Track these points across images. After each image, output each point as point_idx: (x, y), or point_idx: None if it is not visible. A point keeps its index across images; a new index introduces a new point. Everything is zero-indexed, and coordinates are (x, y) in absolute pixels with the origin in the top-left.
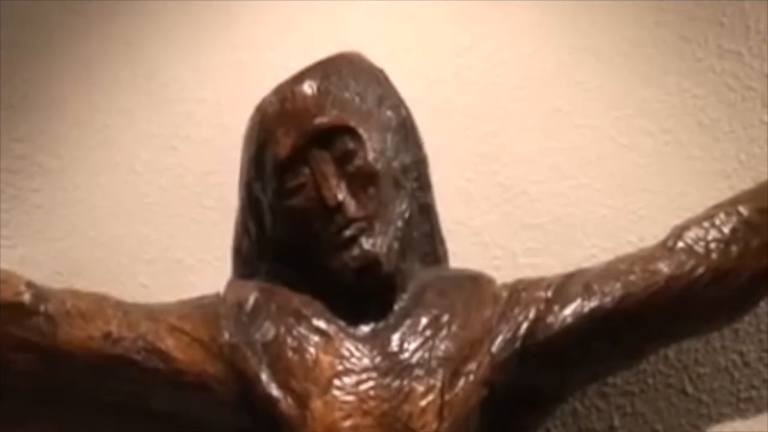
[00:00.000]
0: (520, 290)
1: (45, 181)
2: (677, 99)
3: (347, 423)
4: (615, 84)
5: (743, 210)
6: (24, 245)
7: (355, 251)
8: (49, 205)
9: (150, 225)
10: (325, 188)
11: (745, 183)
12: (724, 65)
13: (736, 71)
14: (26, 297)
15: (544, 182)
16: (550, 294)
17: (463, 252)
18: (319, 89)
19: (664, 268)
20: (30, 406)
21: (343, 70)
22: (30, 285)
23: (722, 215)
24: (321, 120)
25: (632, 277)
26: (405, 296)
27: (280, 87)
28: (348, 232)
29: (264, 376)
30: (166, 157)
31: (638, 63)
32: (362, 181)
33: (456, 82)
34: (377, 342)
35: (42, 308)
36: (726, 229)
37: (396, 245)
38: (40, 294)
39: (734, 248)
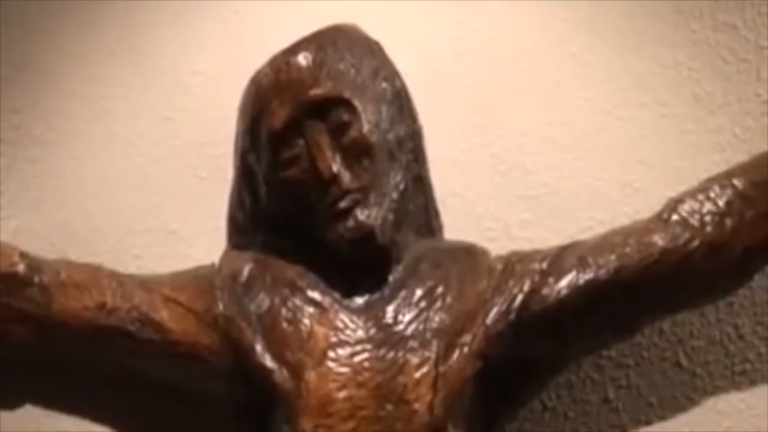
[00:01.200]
0: (514, 262)
1: (40, 152)
2: (672, 72)
3: (341, 394)
4: (610, 57)
5: (738, 183)
6: (18, 216)
7: (350, 222)
8: (44, 175)
9: (145, 196)
10: (320, 160)
11: (740, 156)
12: (719, 38)
13: (731, 44)
14: (20, 268)
15: (539, 154)
16: (544, 266)
17: (457, 224)
18: (314, 60)
19: (658, 240)
20: (26, 380)
21: (339, 42)
22: (24, 256)
23: (717, 188)
24: (316, 91)
25: (627, 250)
26: (399, 268)
27: (275, 58)
28: (343, 204)
29: (258, 348)
30: (161, 128)
31: (633, 36)
32: (357, 152)
33: (451, 54)
34: (372, 314)
35: (36, 279)
36: (721, 202)
37: (391, 217)
38: (35, 265)
39: (729, 221)
